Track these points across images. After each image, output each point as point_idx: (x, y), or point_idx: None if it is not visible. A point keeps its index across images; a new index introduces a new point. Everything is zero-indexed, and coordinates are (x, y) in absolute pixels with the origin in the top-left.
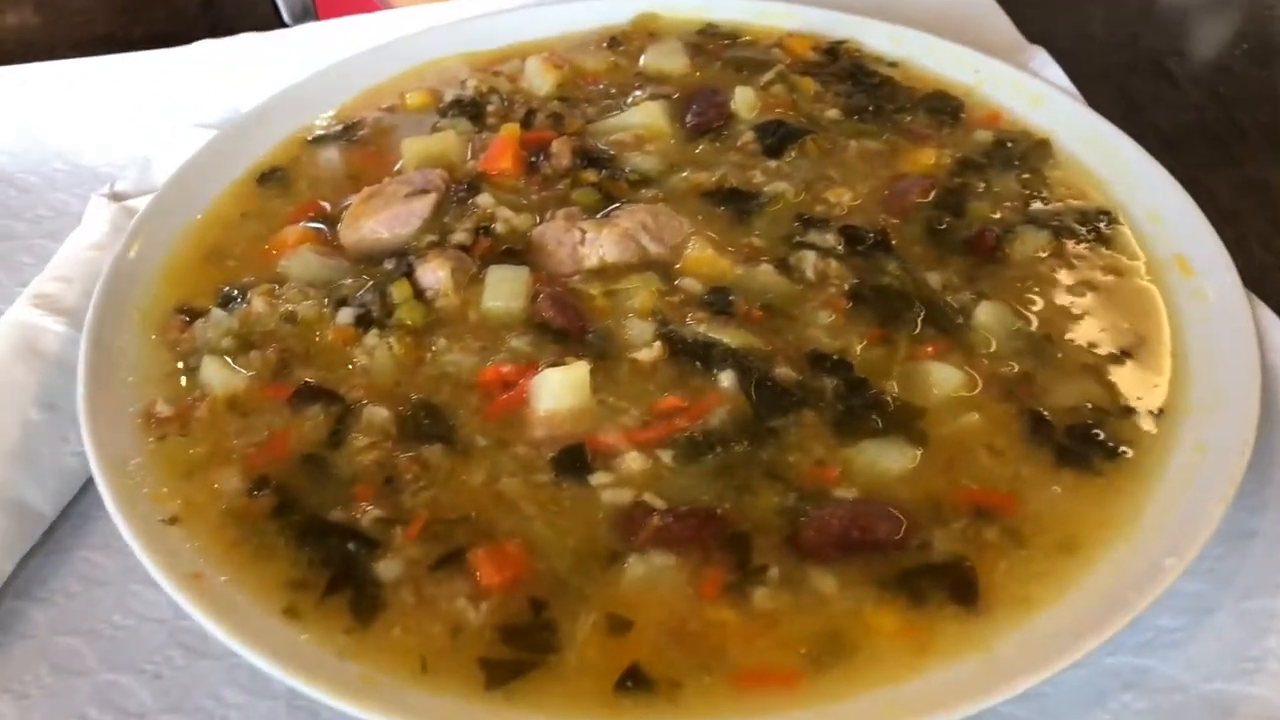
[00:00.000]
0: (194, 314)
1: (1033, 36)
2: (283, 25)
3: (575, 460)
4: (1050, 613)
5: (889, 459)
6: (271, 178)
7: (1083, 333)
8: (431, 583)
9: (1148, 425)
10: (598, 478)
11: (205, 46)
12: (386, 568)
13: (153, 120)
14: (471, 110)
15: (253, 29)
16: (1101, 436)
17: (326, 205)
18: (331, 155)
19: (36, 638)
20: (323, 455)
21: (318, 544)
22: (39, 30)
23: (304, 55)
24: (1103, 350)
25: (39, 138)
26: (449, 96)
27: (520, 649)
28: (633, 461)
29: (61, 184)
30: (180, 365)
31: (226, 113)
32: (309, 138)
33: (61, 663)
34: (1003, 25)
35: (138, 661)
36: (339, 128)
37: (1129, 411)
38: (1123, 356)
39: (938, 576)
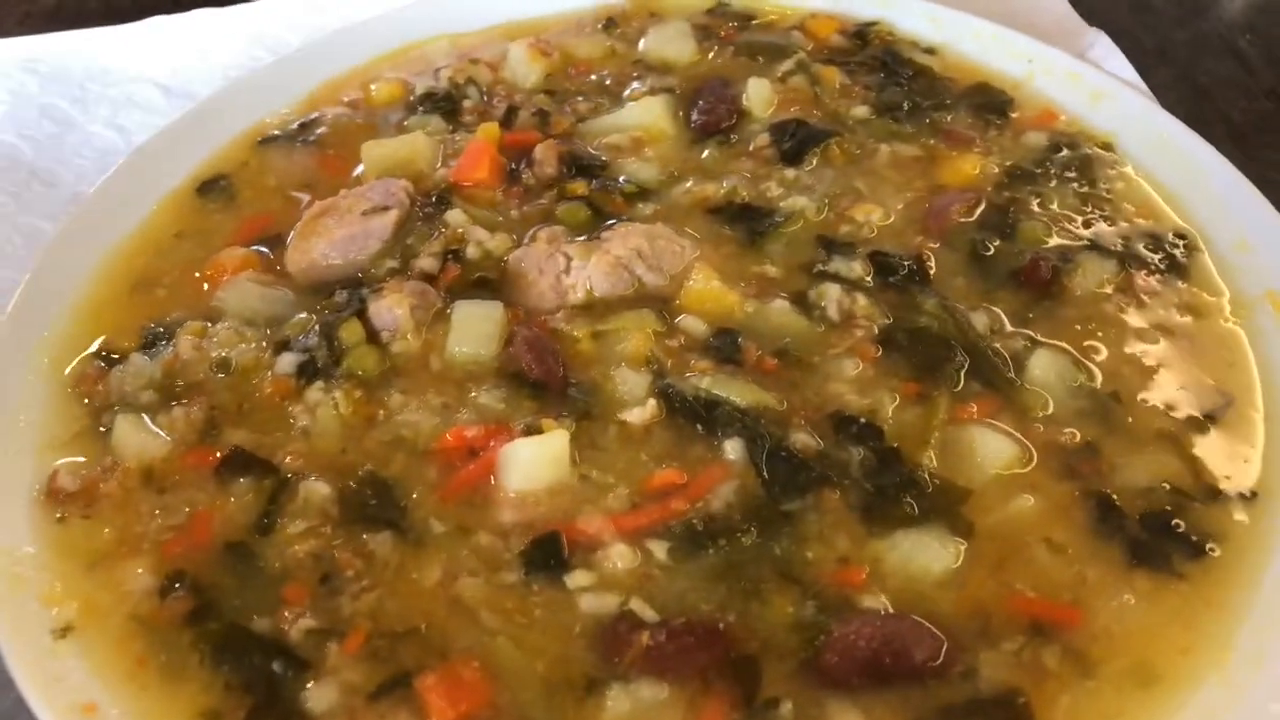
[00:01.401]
0: (112, 359)
1: (1085, 12)
2: None
3: (549, 554)
4: None
5: (927, 556)
6: (214, 187)
7: (1157, 390)
8: (371, 717)
9: (1239, 514)
10: (576, 578)
11: (158, 22)
12: (318, 696)
13: (98, 109)
14: (445, 105)
15: (211, 2)
16: (1183, 528)
17: (280, 217)
18: (285, 159)
19: None
20: (250, 544)
21: (238, 662)
22: None
23: (264, 33)
24: (1181, 413)
25: None
26: (420, 88)
27: None
28: (619, 557)
29: None
30: (91, 423)
31: (179, 99)
32: (260, 138)
33: None
34: (1057, 3)
35: None
36: (295, 126)
37: (1215, 494)
38: (1206, 422)
39: (986, 715)
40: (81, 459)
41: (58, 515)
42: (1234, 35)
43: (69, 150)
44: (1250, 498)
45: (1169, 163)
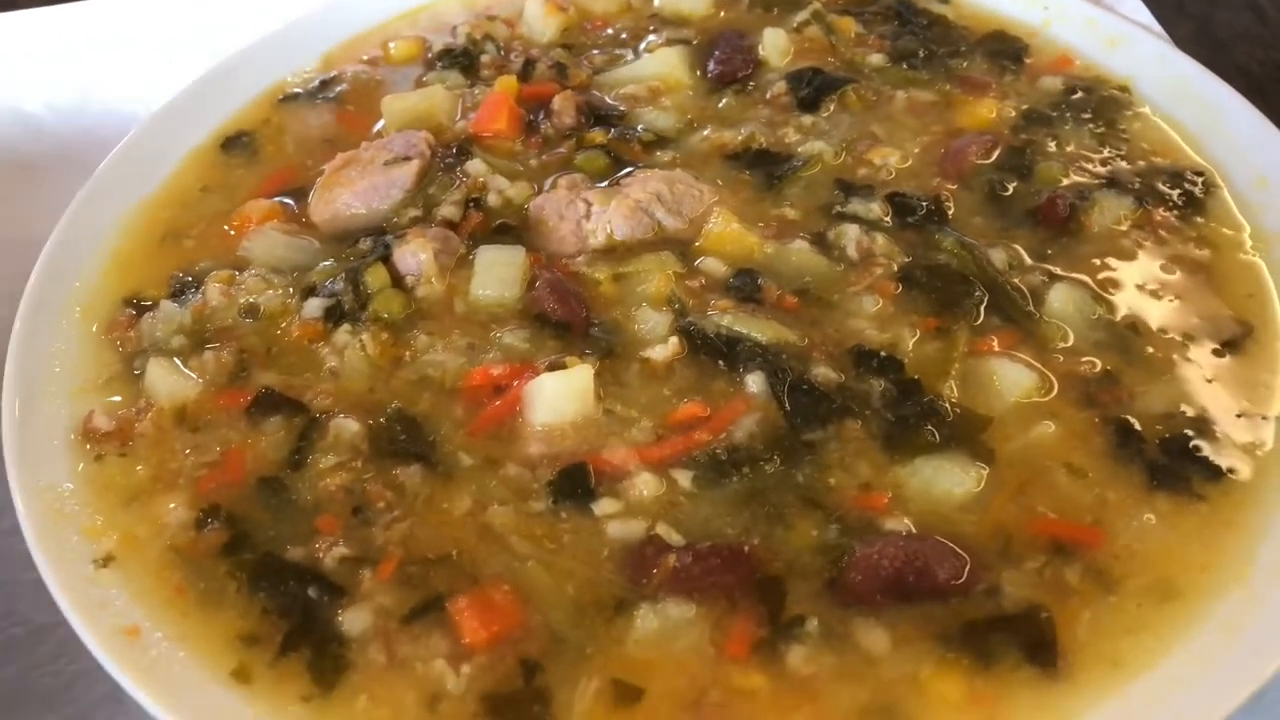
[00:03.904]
0: (143, 307)
1: None
2: None
3: (577, 484)
4: (1147, 679)
5: (949, 481)
6: (237, 143)
7: (1176, 321)
8: (405, 638)
9: (1260, 436)
10: (603, 506)
11: None
12: (352, 619)
13: (116, 78)
14: (463, 61)
15: None
16: (1203, 451)
17: (303, 171)
18: (306, 116)
19: None
20: (282, 478)
21: (274, 589)
22: None
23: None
24: (1200, 342)
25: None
26: (438, 45)
27: None
28: (644, 485)
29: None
30: (124, 368)
31: (201, 58)
32: (281, 96)
33: None
34: None
35: None
36: (315, 83)
37: (1235, 419)
38: (1225, 350)
39: (1009, 630)
40: (117, 398)
41: (96, 454)
42: None
43: (91, 119)
44: (1271, 421)
45: (1187, 104)
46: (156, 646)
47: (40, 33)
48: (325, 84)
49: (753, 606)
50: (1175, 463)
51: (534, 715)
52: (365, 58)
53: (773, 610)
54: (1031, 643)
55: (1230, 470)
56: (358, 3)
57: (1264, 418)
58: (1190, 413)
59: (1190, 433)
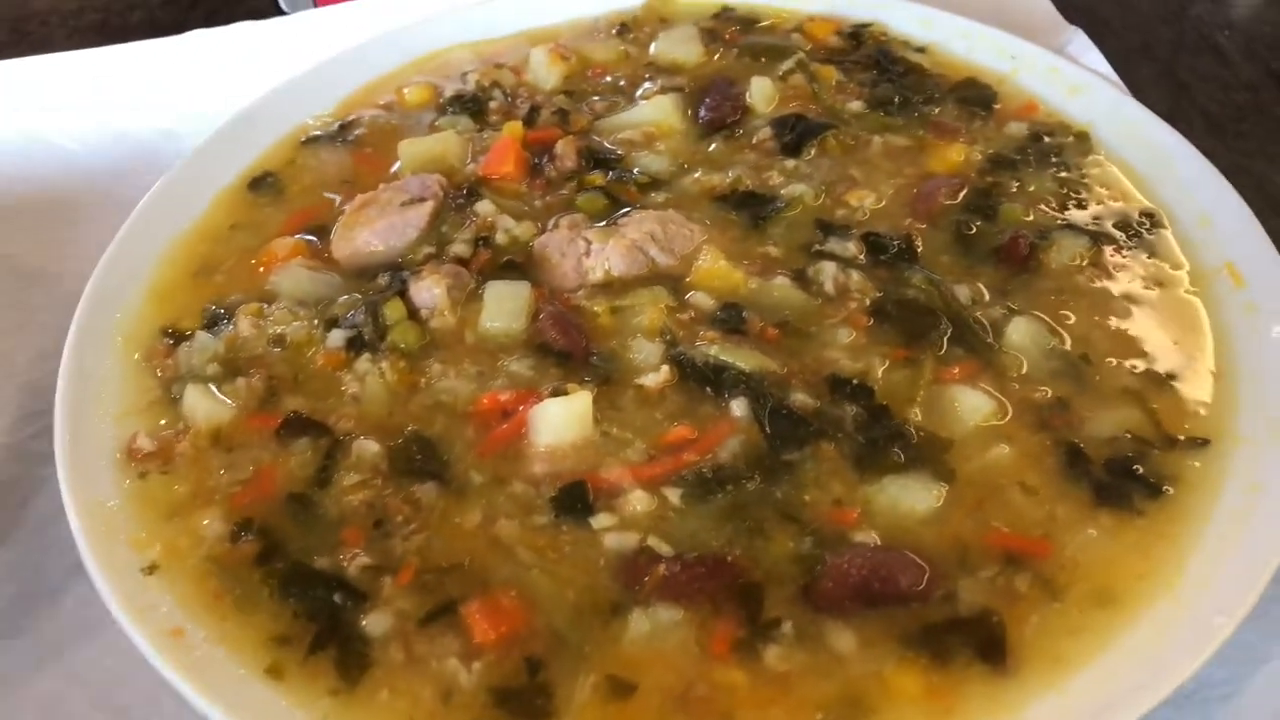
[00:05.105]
0: (179, 336)
1: (1070, 7)
2: (280, 13)
3: (576, 500)
4: (1085, 674)
5: (913, 498)
6: (263, 184)
7: (1124, 352)
8: (422, 639)
9: (1193, 459)
10: (600, 520)
11: (198, 36)
12: (374, 622)
13: (145, 118)
14: (473, 106)
15: (249, 16)
16: (1142, 471)
17: (325, 210)
18: (327, 157)
19: None
20: (310, 495)
21: (303, 595)
22: (34, 20)
23: (301, 44)
24: (1144, 372)
25: (33, 137)
26: (449, 91)
27: (514, 715)
28: (637, 501)
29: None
30: (163, 394)
31: (220, 106)
32: (303, 139)
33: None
34: (1039, 1)
35: None
36: (335, 127)
37: (1173, 443)
38: (1167, 379)
39: (964, 632)
40: (163, 421)
41: (140, 472)
42: (1213, 31)
43: (121, 156)
44: (1203, 444)
45: (1139, 148)
46: (199, 647)
47: (72, 73)
48: (344, 127)
49: (734, 610)
50: (1118, 482)
51: (538, 707)
52: (381, 102)
53: (752, 614)
54: (984, 643)
55: (1167, 489)
56: (373, 50)
57: (1197, 441)
58: (1132, 436)
59: (1132, 455)
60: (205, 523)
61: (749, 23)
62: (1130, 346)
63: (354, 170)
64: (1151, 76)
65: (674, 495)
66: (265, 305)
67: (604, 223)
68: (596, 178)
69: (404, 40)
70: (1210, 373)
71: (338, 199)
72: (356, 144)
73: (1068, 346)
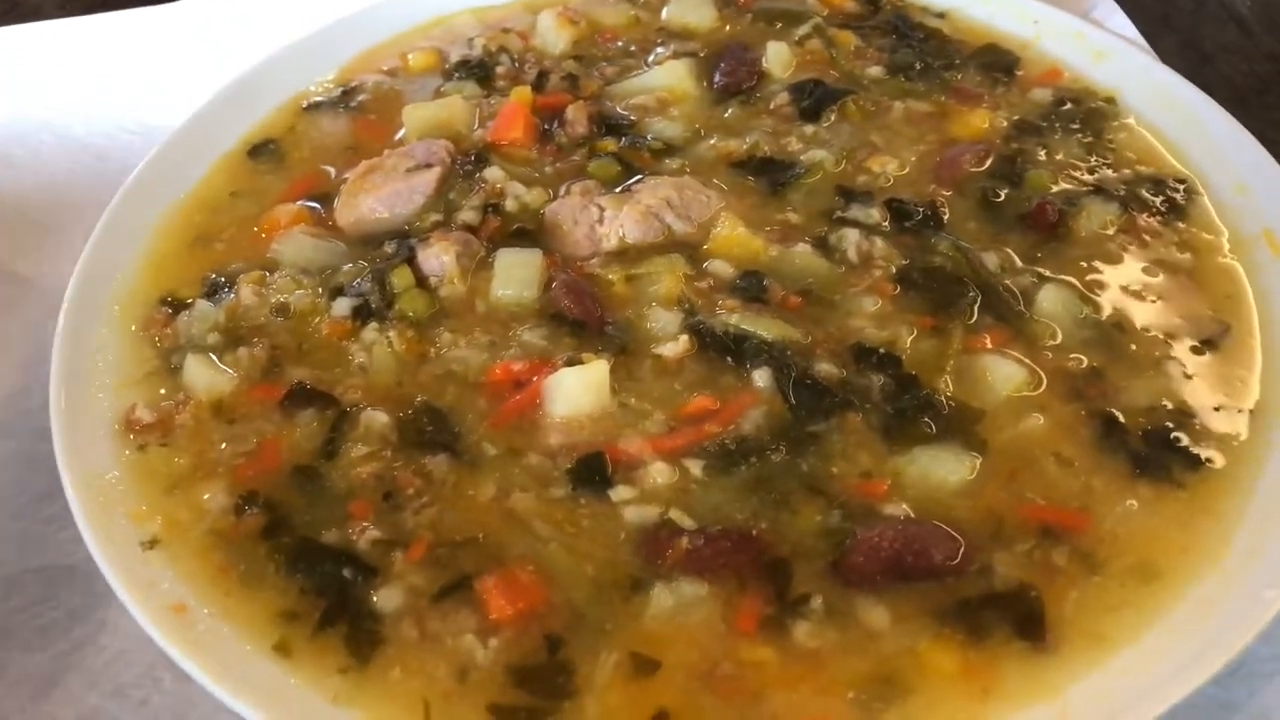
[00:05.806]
0: (178, 306)
1: None
2: None
3: (594, 472)
4: (1128, 653)
5: (944, 469)
6: (264, 150)
7: (1158, 320)
8: (435, 615)
9: (1236, 428)
10: (619, 492)
11: (196, 2)
12: (385, 598)
13: (141, 86)
14: (479, 72)
15: None
16: (1183, 442)
17: (328, 177)
18: (329, 124)
19: None
20: (316, 467)
21: (310, 570)
22: None
23: (301, 11)
24: (1181, 340)
25: (22, 107)
26: (455, 57)
27: (534, 694)
28: (658, 474)
29: (48, 156)
30: (162, 364)
31: (219, 74)
32: (304, 105)
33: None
34: None
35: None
36: (337, 93)
37: (1214, 412)
38: (1204, 347)
39: (1000, 607)
40: (162, 391)
41: (139, 444)
42: (1235, 2)
43: (117, 125)
44: (1246, 414)
45: (1169, 114)
46: (203, 622)
47: (63, 42)
48: (347, 93)
49: (761, 586)
50: (1157, 453)
51: (559, 686)
52: (385, 68)
53: (780, 589)
54: (1021, 619)
55: (1208, 460)
56: (375, 16)
57: (1240, 411)
58: (1171, 406)
59: (1171, 425)
60: (207, 496)
61: None
62: (1166, 314)
63: (357, 137)
64: (1174, 48)
65: (696, 467)
66: (268, 273)
67: (617, 189)
68: (609, 143)
69: (407, 5)
70: (1252, 341)
71: (333, 170)
72: (359, 110)
73: (1101, 315)
